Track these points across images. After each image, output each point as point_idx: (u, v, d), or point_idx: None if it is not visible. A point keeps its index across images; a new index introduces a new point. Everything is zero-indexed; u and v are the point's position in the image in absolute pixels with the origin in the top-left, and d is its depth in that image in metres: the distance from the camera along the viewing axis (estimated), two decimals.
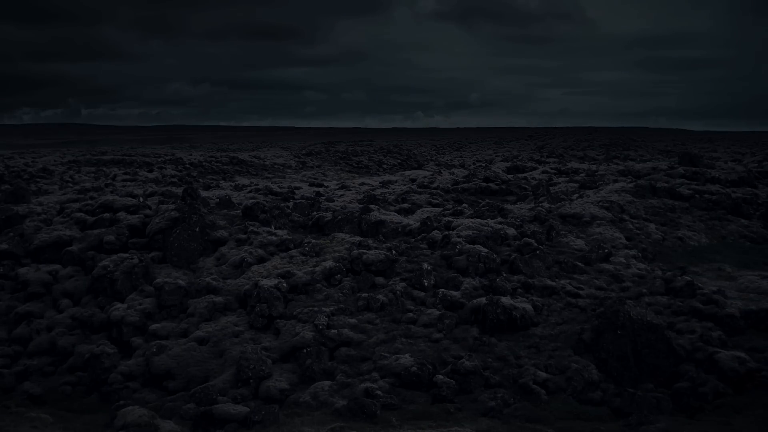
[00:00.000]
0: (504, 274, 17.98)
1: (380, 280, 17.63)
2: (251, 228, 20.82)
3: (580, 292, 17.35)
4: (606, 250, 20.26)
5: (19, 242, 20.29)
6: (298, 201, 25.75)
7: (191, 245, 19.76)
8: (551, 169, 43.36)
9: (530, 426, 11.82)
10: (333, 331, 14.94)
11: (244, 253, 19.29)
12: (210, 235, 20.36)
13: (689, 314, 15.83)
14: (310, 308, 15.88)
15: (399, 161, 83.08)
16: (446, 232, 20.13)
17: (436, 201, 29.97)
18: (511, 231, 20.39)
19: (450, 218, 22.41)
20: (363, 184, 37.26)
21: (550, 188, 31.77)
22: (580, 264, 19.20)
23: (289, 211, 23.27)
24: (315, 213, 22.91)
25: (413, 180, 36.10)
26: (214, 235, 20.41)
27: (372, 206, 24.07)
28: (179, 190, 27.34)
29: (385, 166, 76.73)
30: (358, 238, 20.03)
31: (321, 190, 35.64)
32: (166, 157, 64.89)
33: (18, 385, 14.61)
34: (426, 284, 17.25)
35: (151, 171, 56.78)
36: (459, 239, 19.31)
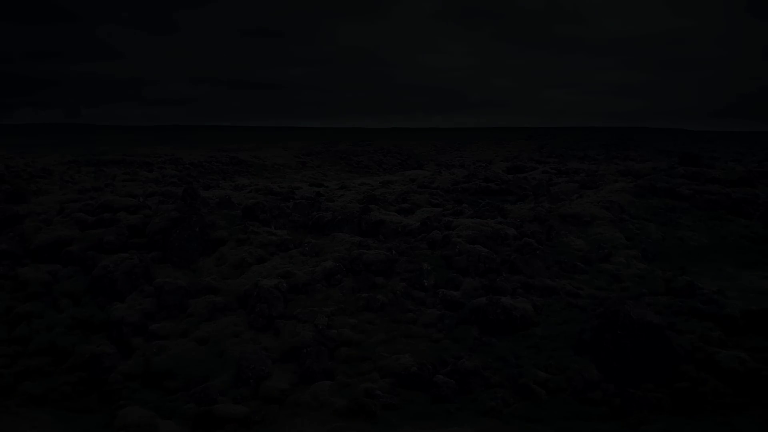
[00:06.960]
0: (504, 274, 17.99)
1: (380, 280, 17.62)
2: (251, 228, 20.82)
3: (580, 292, 17.36)
4: (606, 250, 20.27)
5: (19, 242, 20.27)
6: (298, 201, 25.75)
7: (191, 245, 19.75)
8: (551, 169, 43.42)
9: (530, 426, 11.81)
10: (333, 331, 14.94)
11: (244, 253, 19.29)
12: (210, 235, 20.36)
13: (689, 314, 15.83)
14: (310, 308, 15.88)
15: (399, 161, 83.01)
16: (446, 232, 20.13)
17: (436, 201, 29.97)
18: (511, 231, 20.40)
19: (450, 218, 22.42)
20: (363, 184, 37.24)
21: (550, 188, 31.82)
22: (580, 264, 19.20)
23: (289, 211, 23.27)
24: (315, 213, 22.91)
25: (413, 180, 36.09)
26: (214, 235, 20.41)
27: (372, 206, 24.09)
28: (179, 190, 27.37)
29: (385, 166, 76.65)
30: (358, 238, 20.04)
31: (321, 190, 35.63)
32: (166, 157, 64.81)
33: (18, 385, 14.58)
34: (426, 284, 17.25)
35: (151, 171, 56.71)
36: (459, 239, 19.31)
